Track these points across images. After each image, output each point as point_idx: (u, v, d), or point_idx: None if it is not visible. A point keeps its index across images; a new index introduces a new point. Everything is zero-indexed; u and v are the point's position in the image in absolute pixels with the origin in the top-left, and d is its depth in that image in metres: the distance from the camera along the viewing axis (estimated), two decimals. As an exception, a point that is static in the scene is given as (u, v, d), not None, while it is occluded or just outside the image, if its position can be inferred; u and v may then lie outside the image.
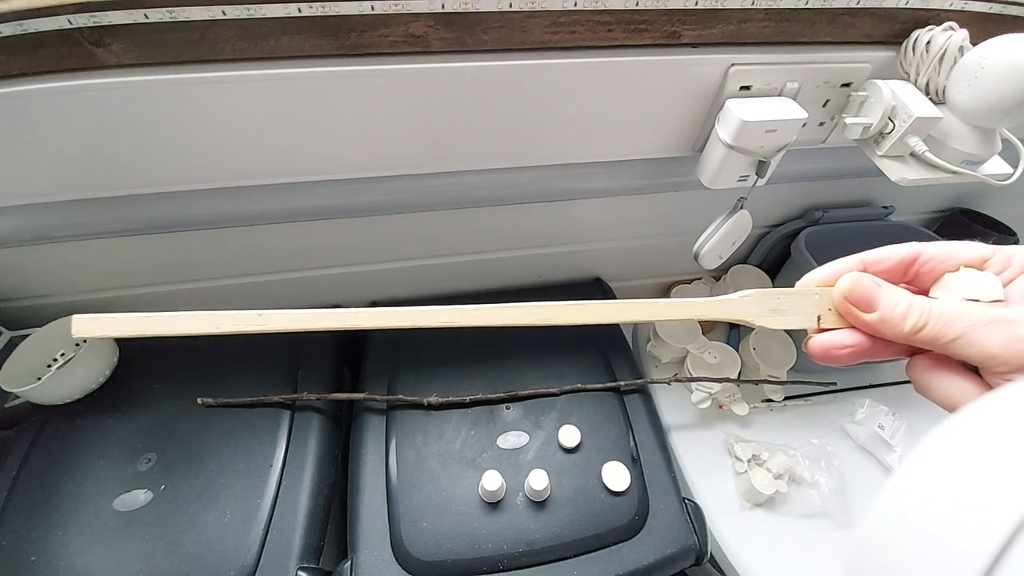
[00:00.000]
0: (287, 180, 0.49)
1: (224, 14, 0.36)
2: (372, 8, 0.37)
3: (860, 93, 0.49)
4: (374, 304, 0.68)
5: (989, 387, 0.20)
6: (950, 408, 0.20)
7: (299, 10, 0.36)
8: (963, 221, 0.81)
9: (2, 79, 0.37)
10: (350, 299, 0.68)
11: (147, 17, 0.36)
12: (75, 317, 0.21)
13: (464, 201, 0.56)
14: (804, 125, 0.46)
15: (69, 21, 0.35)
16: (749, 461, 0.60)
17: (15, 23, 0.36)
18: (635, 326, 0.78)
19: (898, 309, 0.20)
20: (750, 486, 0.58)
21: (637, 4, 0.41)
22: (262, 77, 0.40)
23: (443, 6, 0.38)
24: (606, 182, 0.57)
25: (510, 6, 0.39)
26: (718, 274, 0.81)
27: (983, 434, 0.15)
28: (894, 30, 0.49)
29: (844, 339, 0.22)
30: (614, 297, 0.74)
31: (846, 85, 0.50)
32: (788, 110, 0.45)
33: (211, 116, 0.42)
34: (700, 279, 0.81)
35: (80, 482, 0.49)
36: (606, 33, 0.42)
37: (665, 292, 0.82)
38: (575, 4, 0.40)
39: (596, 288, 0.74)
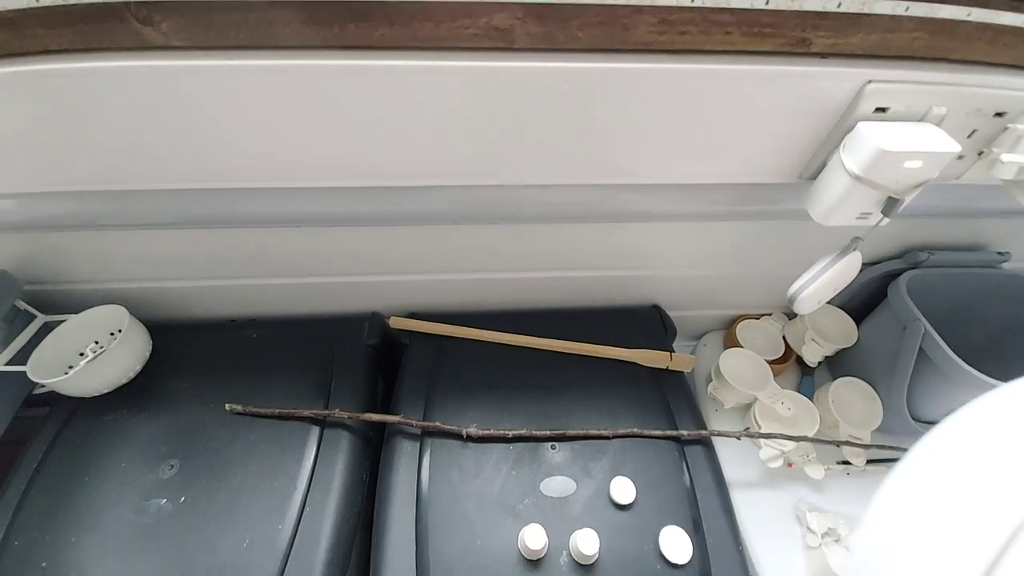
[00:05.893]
0: (341, 184, 0.44)
1: (288, -7, 0.31)
2: (455, -7, 0.32)
3: (1020, 126, 0.40)
4: (413, 315, 0.63)
5: None
6: None
7: (372, -8, 0.31)
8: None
9: (45, 54, 0.34)
10: (392, 307, 0.64)
11: (202, -7, 0.31)
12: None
13: (523, 216, 0.51)
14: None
15: (118, -7, 0.32)
16: (824, 535, 0.52)
17: (60, -8, 0.32)
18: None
19: None
20: (824, 566, 0.50)
21: (766, 3, 0.34)
22: (325, 68, 0.35)
23: (536, -5, 0.32)
24: (687, 206, 0.50)
25: (615, -2, 0.33)
26: (791, 312, 0.72)
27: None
28: (1064, 53, 0.40)
29: None
30: (672, 327, 0.67)
31: (1000, 115, 0.41)
32: (937, 140, 0.37)
33: (264, 111, 0.38)
34: (771, 315, 0.72)
35: (100, 484, 0.47)
36: (722, 36, 0.36)
37: (729, 325, 0.74)
38: (691, 0, 0.33)
39: (654, 316, 0.67)
